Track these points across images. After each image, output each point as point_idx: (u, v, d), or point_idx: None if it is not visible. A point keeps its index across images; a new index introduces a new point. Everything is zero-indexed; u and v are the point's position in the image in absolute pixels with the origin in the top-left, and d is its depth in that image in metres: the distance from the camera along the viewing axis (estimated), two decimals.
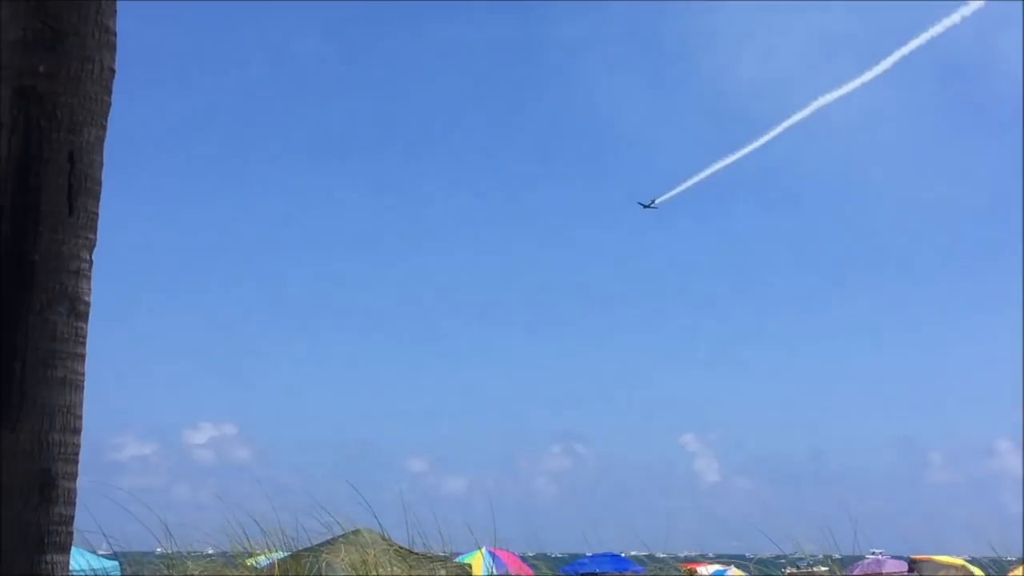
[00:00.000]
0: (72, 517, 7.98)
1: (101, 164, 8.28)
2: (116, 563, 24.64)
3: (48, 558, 7.78)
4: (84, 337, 8.10)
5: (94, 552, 25.28)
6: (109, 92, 8.36)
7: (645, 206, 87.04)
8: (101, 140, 8.29)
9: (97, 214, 8.23)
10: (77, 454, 8.03)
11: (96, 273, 8.29)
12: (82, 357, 8.09)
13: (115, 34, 8.40)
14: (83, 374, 8.09)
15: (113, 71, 8.38)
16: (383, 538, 17.24)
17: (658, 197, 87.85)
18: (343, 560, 15.48)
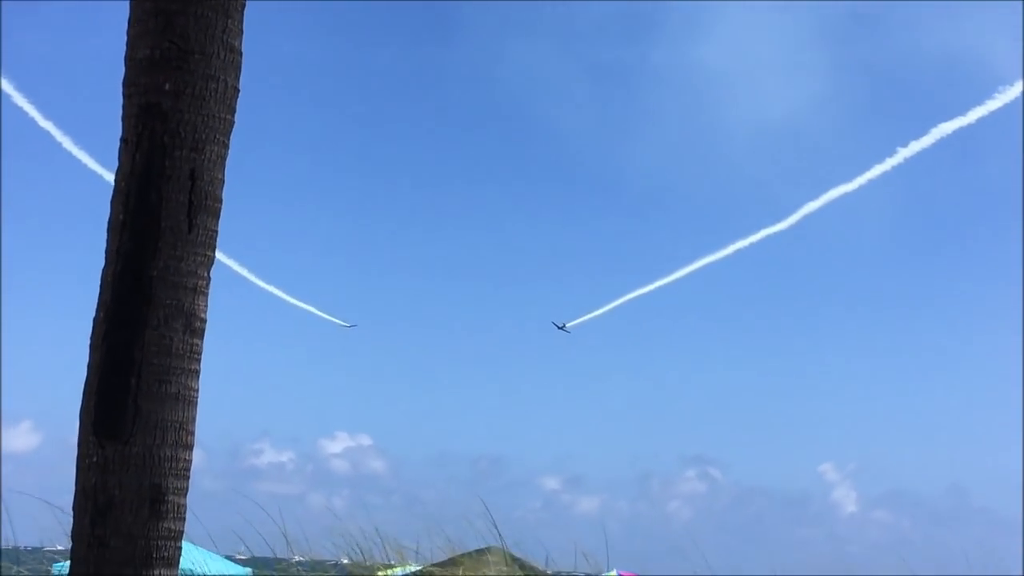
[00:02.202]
0: (181, 532, 8.03)
1: (222, 182, 8.34)
2: (249, 570, 24.93)
3: (155, 573, 7.84)
4: (199, 354, 8.16)
5: (232, 558, 25.62)
6: (232, 111, 8.42)
7: (559, 327, 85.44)
8: (223, 158, 8.36)
9: (216, 232, 8.28)
10: (188, 469, 8.08)
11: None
12: (196, 373, 8.14)
13: (241, 54, 8.46)
14: (197, 390, 8.14)
15: (237, 90, 8.44)
16: (512, 558, 17.14)
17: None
18: None
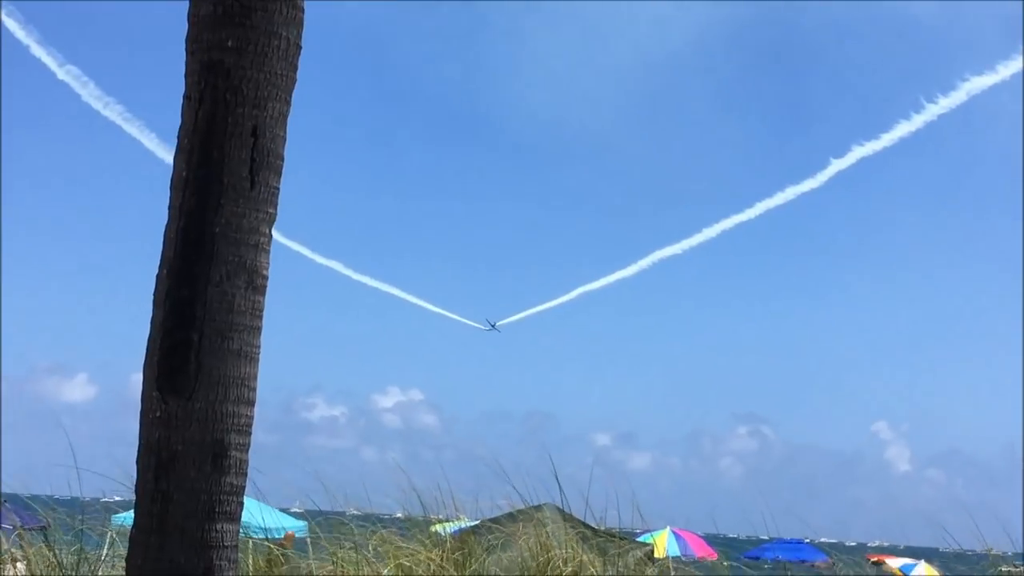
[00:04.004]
0: (243, 487, 8.08)
1: (284, 139, 8.34)
2: (304, 523, 25.04)
3: (218, 527, 7.91)
4: (261, 310, 8.18)
5: (287, 511, 25.76)
6: (295, 68, 8.41)
7: (491, 325, 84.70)
8: (285, 115, 8.35)
9: (278, 189, 8.29)
10: (250, 425, 8.13)
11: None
12: (258, 330, 8.17)
13: (302, 10, 8.44)
14: (259, 347, 8.17)
15: (299, 47, 8.42)
16: (566, 515, 17.13)
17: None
18: (522, 539, 15.43)
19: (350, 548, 14.98)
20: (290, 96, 8.35)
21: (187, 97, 8.23)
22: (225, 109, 8.11)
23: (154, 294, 8.10)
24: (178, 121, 8.27)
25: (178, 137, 8.23)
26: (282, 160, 8.31)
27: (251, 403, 8.10)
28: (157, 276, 8.12)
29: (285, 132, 8.33)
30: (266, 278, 8.20)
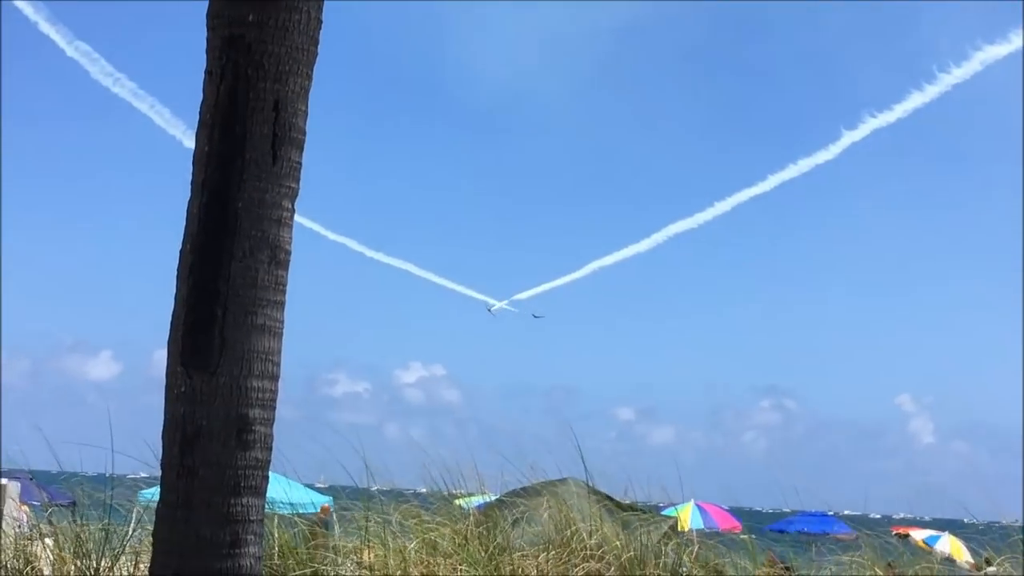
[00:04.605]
0: (268, 462, 8.11)
1: (306, 114, 8.34)
2: (330, 498, 25.15)
3: (243, 501, 7.93)
4: (284, 285, 8.20)
5: (312, 487, 25.88)
6: (316, 42, 8.40)
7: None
8: (306, 90, 8.35)
9: (300, 163, 8.29)
10: (274, 400, 8.14)
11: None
12: (281, 305, 8.18)
13: None
14: (282, 321, 8.19)
15: (320, 21, 8.41)
16: (590, 488, 17.13)
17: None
18: (546, 512, 15.45)
19: (377, 522, 15.03)
20: (311, 71, 8.35)
21: (209, 72, 8.23)
22: (247, 84, 8.11)
23: (178, 270, 8.13)
24: (192, 98, 8.30)
25: (200, 112, 8.24)
26: (304, 135, 8.31)
27: (275, 378, 8.12)
28: (180, 252, 8.14)
29: (307, 107, 8.33)
30: (289, 253, 8.22)
